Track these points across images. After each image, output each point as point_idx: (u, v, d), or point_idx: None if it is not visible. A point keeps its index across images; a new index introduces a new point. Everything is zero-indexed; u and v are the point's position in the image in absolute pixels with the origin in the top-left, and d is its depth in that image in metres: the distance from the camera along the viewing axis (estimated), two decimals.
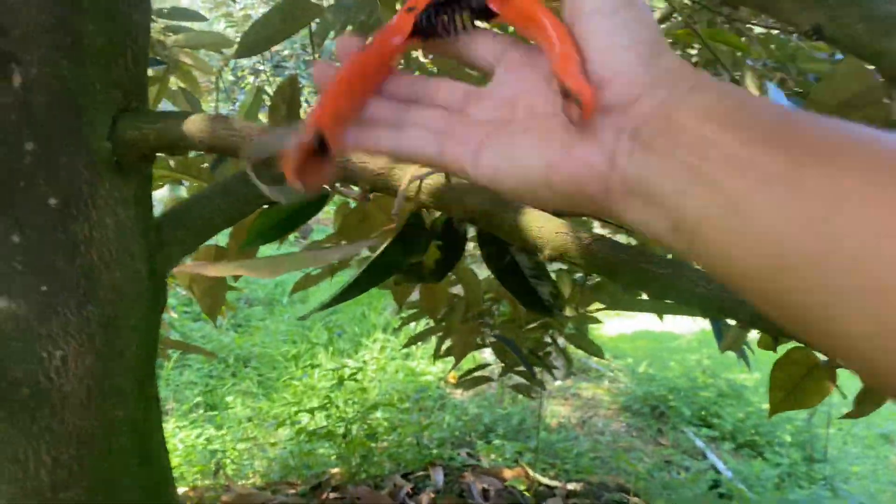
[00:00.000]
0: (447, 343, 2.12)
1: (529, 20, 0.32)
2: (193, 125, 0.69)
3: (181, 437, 3.95)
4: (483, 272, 2.00)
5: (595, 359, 5.02)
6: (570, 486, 2.56)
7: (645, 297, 1.23)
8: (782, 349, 0.89)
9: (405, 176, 0.69)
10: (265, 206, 1.09)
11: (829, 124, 0.24)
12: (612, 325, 6.60)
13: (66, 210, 0.66)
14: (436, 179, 0.70)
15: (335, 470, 2.73)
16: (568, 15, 0.31)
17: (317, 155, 0.34)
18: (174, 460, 3.44)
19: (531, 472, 2.64)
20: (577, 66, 0.30)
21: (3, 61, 0.61)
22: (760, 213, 0.24)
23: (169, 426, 4.16)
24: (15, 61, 0.61)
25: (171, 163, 1.49)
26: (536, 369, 2.27)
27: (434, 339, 2.18)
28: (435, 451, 2.86)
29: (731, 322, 1.82)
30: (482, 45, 0.35)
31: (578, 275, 1.59)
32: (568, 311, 1.31)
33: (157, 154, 0.77)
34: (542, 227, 0.69)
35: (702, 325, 5.90)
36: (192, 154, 1.67)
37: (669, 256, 0.75)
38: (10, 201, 0.62)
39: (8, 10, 0.60)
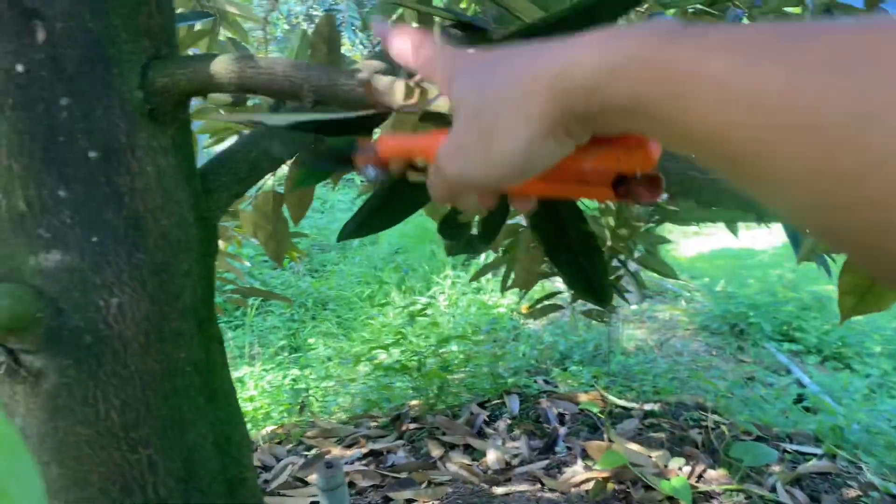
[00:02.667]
0: (514, 274, 2.12)
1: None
2: (221, 66, 0.69)
3: (269, 380, 4.14)
4: None
5: (671, 280, 4.94)
6: (647, 407, 2.55)
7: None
8: None
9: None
10: (311, 146, 1.09)
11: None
12: (689, 245, 6.45)
13: (107, 162, 0.67)
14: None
15: (413, 402, 2.80)
16: None
17: None
18: (262, 402, 3.61)
19: (607, 395, 2.65)
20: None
21: (26, 18, 0.61)
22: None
23: (256, 370, 4.36)
24: (38, 17, 0.62)
25: (221, 111, 1.51)
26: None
27: (502, 271, 2.17)
28: (510, 380, 2.89)
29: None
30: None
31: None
32: (613, 241, 1.27)
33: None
34: None
35: (782, 239, 5.68)
36: (250, 102, 1.69)
37: None
38: (53, 157, 0.64)
39: None
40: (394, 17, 1.71)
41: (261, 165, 0.94)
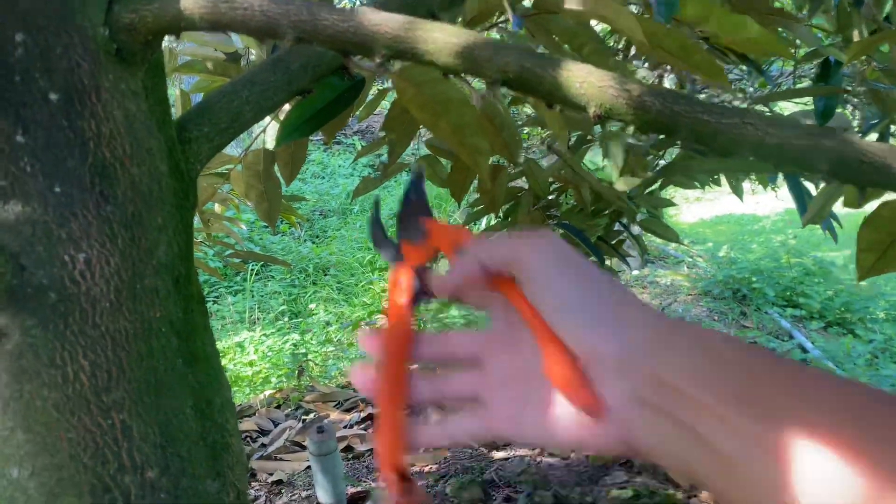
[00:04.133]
0: None
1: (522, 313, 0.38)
2: (191, 2, 0.63)
3: (269, 345, 4.12)
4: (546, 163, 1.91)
5: (673, 245, 4.88)
6: None
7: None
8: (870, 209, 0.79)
9: (426, 40, 0.61)
10: (299, 97, 1.03)
11: (789, 371, 0.31)
12: (691, 210, 6.39)
13: (70, 105, 0.62)
14: (461, 38, 0.62)
15: (414, 367, 2.77)
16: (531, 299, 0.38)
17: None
18: (262, 366, 3.60)
19: None
20: (576, 378, 0.35)
21: None
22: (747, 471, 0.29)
23: (256, 335, 4.35)
24: None
25: (209, 65, 1.45)
26: (609, 259, 2.20)
27: None
28: None
29: (813, 194, 1.68)
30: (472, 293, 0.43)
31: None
32: (622, 184, 1.21)
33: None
34: (585, 81, 0.61)
35: (786, 205, 5.61)
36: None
37: (735, 103, 0.65)
38: (8, 98, 0.59)
39: None
40: None
41: (243, 116, 0.88)
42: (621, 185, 1.20)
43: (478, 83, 0.69)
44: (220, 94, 0.87)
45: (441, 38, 0.63)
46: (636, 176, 1.17)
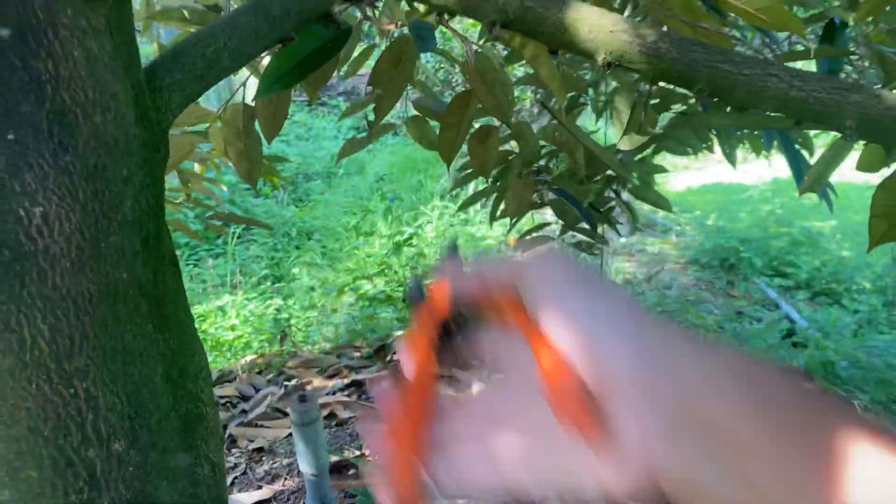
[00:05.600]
0: (504, 204, 2.02)
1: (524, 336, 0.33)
2: None
3: (251, 308, 4.07)
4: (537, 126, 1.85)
5: (661, 213, 4.86)
6: None
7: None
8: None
9: None
10: (280, 46, 0.96)
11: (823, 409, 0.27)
12: (680, 178, 6.35)
13: (23, 43, 0.55)
14: None
15: (399, 333, 2.74)
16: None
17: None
18: (245, 331, 3.55)
19: None
20: (571, 398, 0.30)
21: None
22: None
23: (238, 299, 4.29)
24: None
25: (186, 14, 1.37)
26: (599, 226, 2.16)
27: (491, 202, 2.07)
28: None
29: (811, 161, 1.64)
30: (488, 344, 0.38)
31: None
32: (626, 143, 1.16)
33: None
34: (595, 24, 0.55)
35: (775, 173, 5.59)
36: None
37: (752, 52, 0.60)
38: None
39: None
40: None
41: (220, 62, 0.82)
42: (625, 143, 1.14)
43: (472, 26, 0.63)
44: (195, 38, 0.80)
45: None
46: (642, 134, 1.11)
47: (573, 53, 0.57)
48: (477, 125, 1.50)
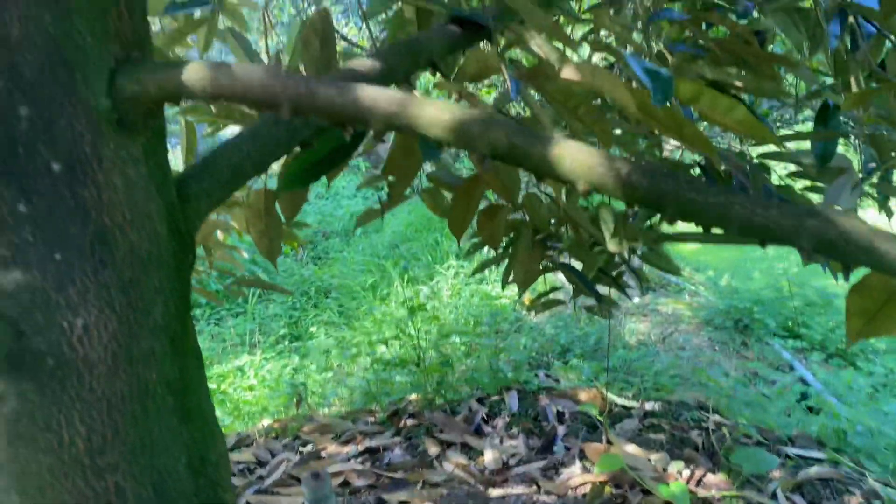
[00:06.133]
0: (513, 271, 2.08)
1: None
2: (193, 73, 0.65)
3: (268, 369, 4.12)
4: (545, 196, 1.92)
5: None
6: (648, 406, 2.52)
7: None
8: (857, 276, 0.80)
9: (420, 116, 0.63)
10: (299, 149, 1.05)
11: None
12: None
13: (72, 174, 0.63)
14: (453, 113, 0.64)
15: (413, 396, 2.77)
16: None
17: None
18: (262, 391, 3.59)
19: (606, 393, 2.61)
20: None
21: None
22: None
23: (256, 358, 4.34)
24: None
25: (213, 108, 1.47)
26: (609, 290, 2.21)
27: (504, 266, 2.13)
28: (511, 375, 2.86)
29: None
30: None
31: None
32: (613, 246, 1.23)
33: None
34: (574, 158, 0.62)
35: None
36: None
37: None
38: (12, 170, 0.60)
39: None
40: (391, 11, 1.66)
41: (244, 170, 0.90)
42: (613, 246, 1.21)
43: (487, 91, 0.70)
44: (222, 148, 0.89)
45: (433, 113, 0.64)
46: (628, 241, 1.19)
47: (556, 181, 0.64)
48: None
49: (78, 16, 0.62)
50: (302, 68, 1.37)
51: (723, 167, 1.47)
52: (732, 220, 0.62)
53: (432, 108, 0.64)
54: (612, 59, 1.76)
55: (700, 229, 0.69)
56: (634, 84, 1.03)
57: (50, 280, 0.63)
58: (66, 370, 0.64)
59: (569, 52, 1.19)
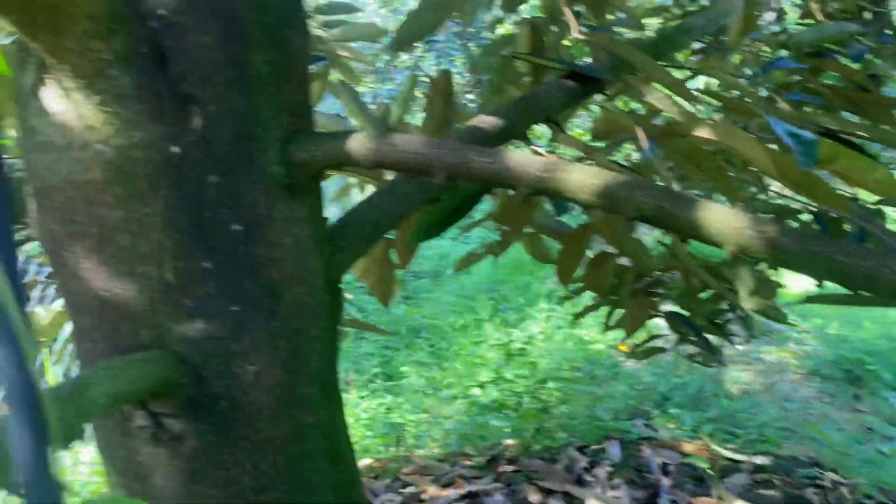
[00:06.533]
0: (614, 315, 2.07)
1: None
2: (357, 143, 0.71)
3: (363, 407, 4.19)
4: (647, 238, 1.92)
5: None
6: (757, 461, 2.42)
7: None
8: None
9: (567, 180, 0.66)
10: (427, 204, 1.10)
11: None
12: (797, 281, 6.13)
13: (248, 234, 0.70)
14: (600, 178, 0.67)
15: (509, 441, 2.76)
16: None
17: None
18: (358, 430, 3.66)
19: (713, 445, 2.53)
20: None
21: (184, 103, 0.65)
22: None
23: (351, 397, 4.43)
24: (194, 102, 0.65)
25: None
26: (714, 337, 2.17)
27: (603, 309, 2.13)
28: (610, 424, 2.81)
29: None
30: None
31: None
32: (749, 303, 1.22)
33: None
34: (721, 222, 0.64)
35: None
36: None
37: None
38: (200, 231, 0.67)
39: (187, 54, 0.64)
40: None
41: (383, 225, 0.95)
42: (749, 304, 1.20)
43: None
44: (363, 205, 0.95)
45: (581, 178, 0.67)
46: (764, 298, 1.18)
47: (702, 242, 0.66)
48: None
49: (260, 94, 0.70)
50: (420, 122, 1.44)
51: (836, 214, 1.43)
52: (883, 283, 0.62)
53: (579, 173, 0.68)
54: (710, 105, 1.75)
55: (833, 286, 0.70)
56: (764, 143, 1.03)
57: (227, 330, 0.70)
58: (238, 413, 0.70)
59: (681, 100, 1.21)
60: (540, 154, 1.04)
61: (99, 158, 0.64)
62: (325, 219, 0.83)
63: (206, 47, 0.64)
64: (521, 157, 0.69)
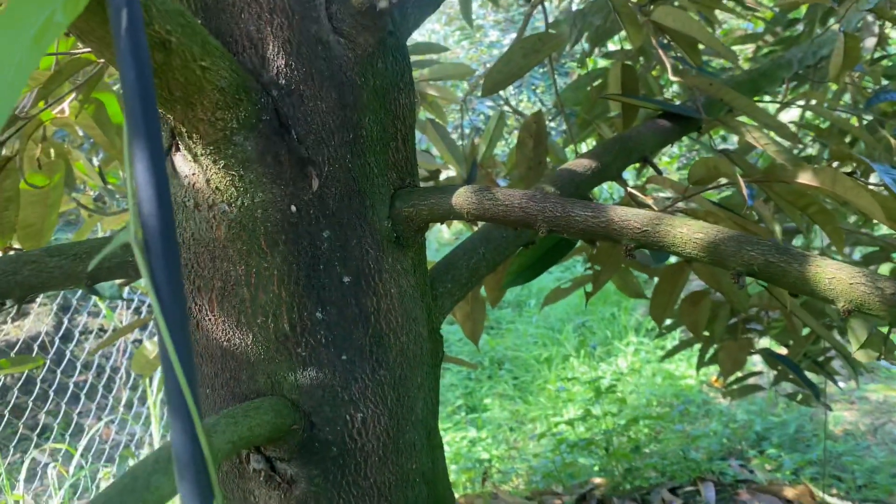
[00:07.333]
0: (710, 351, 2.02)
1: None
2: (461, 198, 0.73)
3: (447, 440, 4.20)
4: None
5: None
6: None
7: None
8: None
9: (672, 234, 0.66)
10: (521, 248, 1.11)
11: None
12: None
13: (358, 286, 0.73)
14: (706, 233, 0.67)
15: (598, 480, 2.71)
16: None
17: None
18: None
19: (816, 491, 2.41)
20: None
21: (302, 165, 0.69)
22: None
23: None
24: (311, 164, 0.69)
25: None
26: (816, 377, 2.08)
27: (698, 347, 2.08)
28: (703, 464, 2.72)
29: None
30: None
31: None
32: (862, 356, 1.17)
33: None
34: (834, 277, 0.63)
35: None
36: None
37: None
38: (313, 283, 0.71)
39: (303, 120, 0.69)
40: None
41: (480, 270, 0.97)
42: (862, 356, 1.16)
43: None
44: (460, 251, 0.97)
45: (686, 233, 0.67)
46: (876, 350, 1.13)
47: (813, 298, 0.65)
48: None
49: (369, 152, 0.73)
50: (511, 163, 1.46)
51: None
52: None
53: (684, 227, 0.68)
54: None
55: None
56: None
57: (337, 378, 0.73)
58: (347, 459, 0.73)
59: (781, 139, 1.18)
60: (638, 198, 1.04)
61: (224, 218, 0.69)
62: (427, 269, 0.85)
63: (322, 113, 0.68)
64: (624, 212, 0.70)
